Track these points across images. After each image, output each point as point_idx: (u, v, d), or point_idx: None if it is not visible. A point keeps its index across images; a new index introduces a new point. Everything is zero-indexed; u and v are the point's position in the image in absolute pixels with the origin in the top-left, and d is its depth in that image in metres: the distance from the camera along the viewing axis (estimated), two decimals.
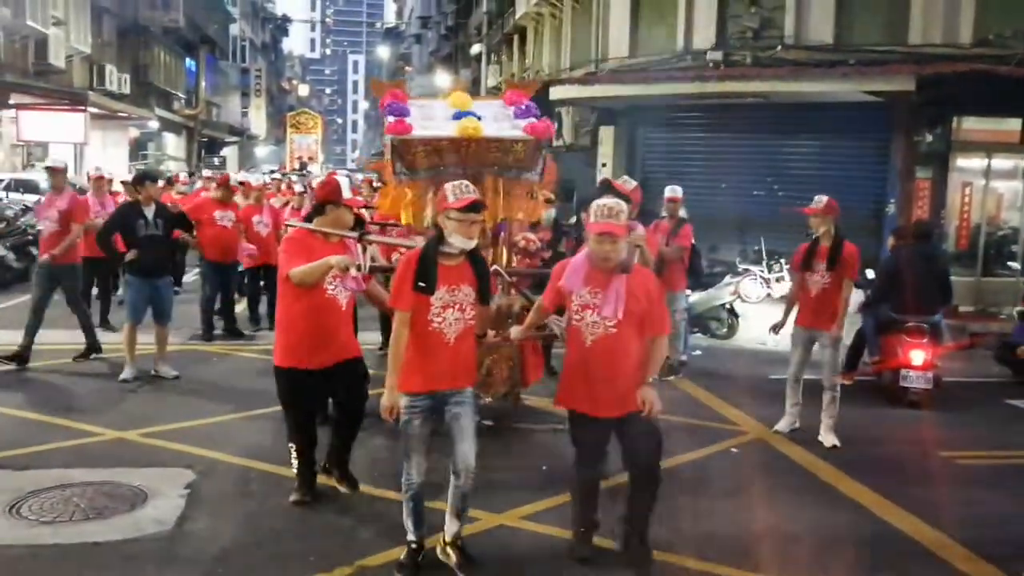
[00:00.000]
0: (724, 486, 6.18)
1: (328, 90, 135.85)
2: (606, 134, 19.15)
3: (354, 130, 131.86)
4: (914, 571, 5.02)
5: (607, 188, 6.41)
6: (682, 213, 9.40)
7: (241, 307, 11.73)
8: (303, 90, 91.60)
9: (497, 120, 6.82)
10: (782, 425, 7.46)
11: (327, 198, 5.48)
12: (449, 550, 4.61)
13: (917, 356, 8.46)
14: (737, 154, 16.68)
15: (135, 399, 7.97)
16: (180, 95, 39.82)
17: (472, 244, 4.45)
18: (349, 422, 5.69)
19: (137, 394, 8.14)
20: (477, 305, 4.54)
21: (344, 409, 5.70)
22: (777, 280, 13.25)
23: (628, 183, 6.46)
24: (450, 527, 4.63)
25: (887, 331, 8.92)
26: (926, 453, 7.32)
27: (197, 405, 7.83)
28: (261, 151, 63.26)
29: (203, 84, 43.96)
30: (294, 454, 5.59)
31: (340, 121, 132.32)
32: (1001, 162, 15.59)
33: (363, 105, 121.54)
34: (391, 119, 6.58)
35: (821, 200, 7.26)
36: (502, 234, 7.21)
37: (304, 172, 37.79)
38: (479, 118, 6.71)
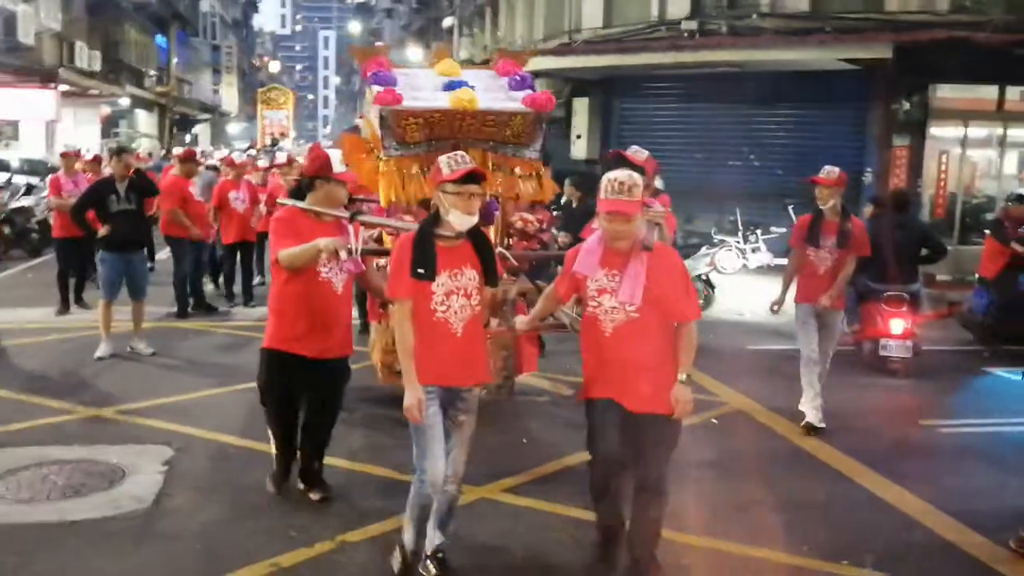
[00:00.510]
0: (704, 457, 6.11)
1: (299, 66, 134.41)
2: (580, 105, 19.01)
3: (325, 106, 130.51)
4: (900, 540, 5.00)
5: (619, 161, 5.50)
6: (659, 184, 9.33)
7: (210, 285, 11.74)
8: (274, 66, 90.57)
9: (489, 91, 6.32)
10: (813, 417, 6.76)
11: (317, 172, 4.95)
12: (430, 564, 4.19)
13: (896, 325, 8.47)
14: (712, 124, 16.63)
15: (111, 376, 7.85)
16: (151, 72, 39.20)
17: (473, 221, 4.00)
18: (324, 426, 5.19)
19: (113, 371, 8.02)
20: (483, 289, 4.12)
21: (321, 411, 5.16)
22: (753, 251, 13.26)
23: (640, 153, 5.81)
24: (432, 538, 4.21)
25: (866, 301, 8.91)
26: (907, 422, 7.33)
27: (174, 381, 7.74)
28: (233, 128, 62.56)
29: (174, 61, 43.27)
30: (273, 442, 5.25)
31: (311, 97, 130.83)
32: (977, 130, 15.66)
33: (334, 80, 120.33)
34: (378, 89, 6.06)
35: (833, 171, 6.68)
36: (495, 213, 6.65)
37: (276, 148, 37.29)
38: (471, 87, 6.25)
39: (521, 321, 4.78)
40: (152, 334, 9.02)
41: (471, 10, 32.36)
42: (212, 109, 52.48)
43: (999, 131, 15.81)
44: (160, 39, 41.23)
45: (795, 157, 15.12)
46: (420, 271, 3.91)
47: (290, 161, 13.53)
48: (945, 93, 14.76)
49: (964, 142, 15.61)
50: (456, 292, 3.99)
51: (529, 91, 6.32)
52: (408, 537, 4.21)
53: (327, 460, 5.34)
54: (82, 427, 6.43)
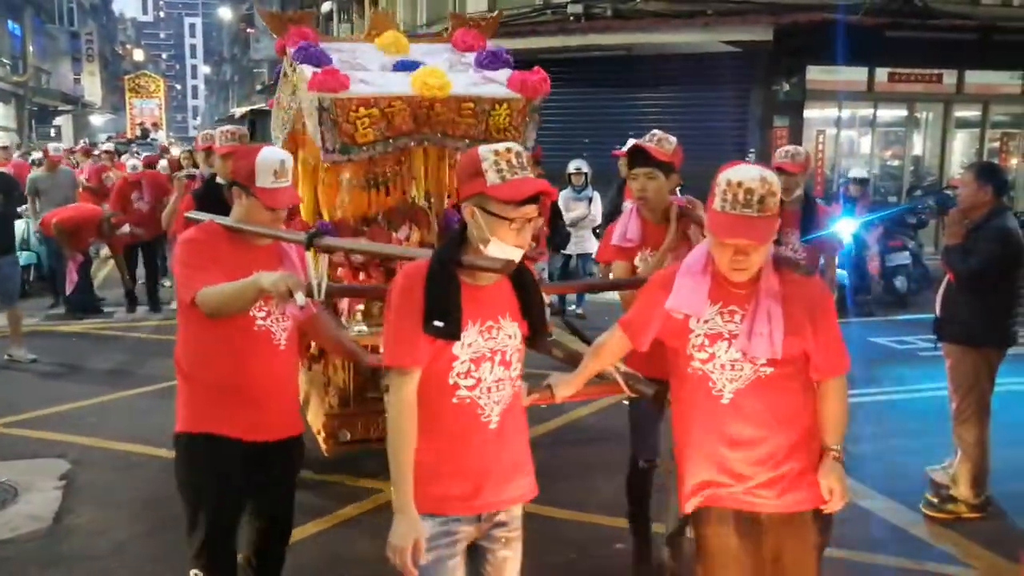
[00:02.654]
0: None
1: (165, 55, 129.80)
2: None
3: (195, 96, 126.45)
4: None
5: (641, 155, 3.91)
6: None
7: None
8: (138, 55, 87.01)
9: (457, 71, 4.94)
10: None
11: (236, 177, 3.27)
12: None
13: None
14: (598, 108, 16.69)
15: None
16: (5, 61, 37.05)
17: (520, 254, 2.57)
18: (278, 536, 3.44)
19: None
20: (523, 352, 2.72)
21: (271, 526, 3.40)
22: None
23: (667, 143, 3.91)
24: None
25: None
26: None
27: (61, 389, 7.29)
28: (97, 120, 59.68)
29: (30, 49, 40.98)
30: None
31: (179, 87, 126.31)
32: (850, 111, 16.29)
33: (204, 70, 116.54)
34: (311, 70, 4.58)
35: (799, 153, 5.36)
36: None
37: (148, 141, 35.54)
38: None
39: (563, 384, 3.03)
40: (30, 339, 8.47)
41: None
42: (74, 100, 49.94)
43: (870, 111, 16.50)
44: (13, 25, 39.02)
45: (679, 138, 15.25)
46: (438, 325, 2.50)
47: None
48: (821, 75, 15.26)
49: (839, 122, 16.22)
50: (491, 358, 2.60)
51: (509, 70, 4.99)
52: None
53: None
54: None
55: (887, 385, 7.67)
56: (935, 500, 5.04)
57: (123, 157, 15.60)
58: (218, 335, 3.12)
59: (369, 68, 4.88)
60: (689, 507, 2.84)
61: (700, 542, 2.84)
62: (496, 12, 16.25)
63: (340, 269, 4.73)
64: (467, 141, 4.69)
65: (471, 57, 5.14)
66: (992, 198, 4.85)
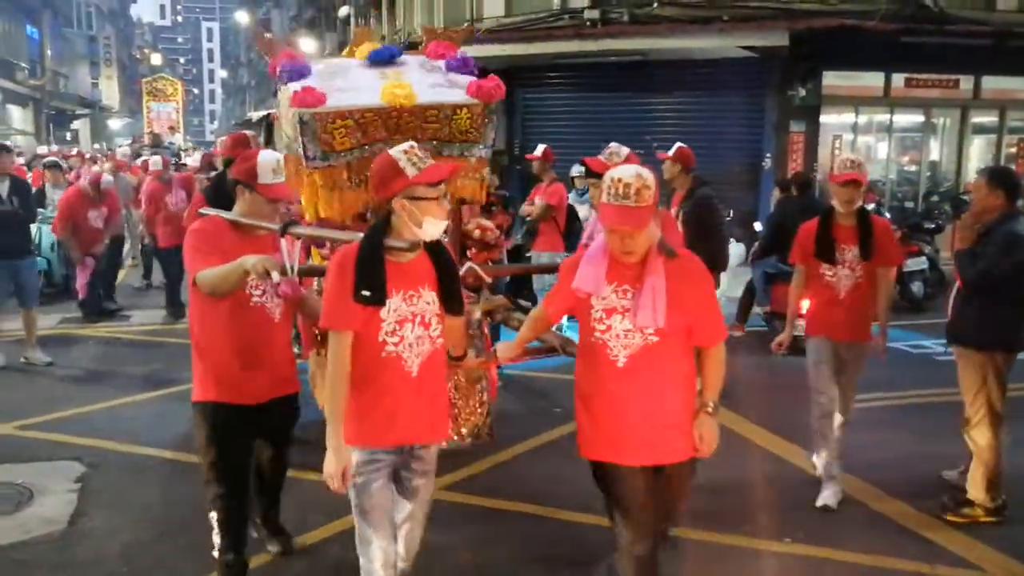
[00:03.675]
0: None
1: (182, 59, 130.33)
2: None
3: (212, 100, 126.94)
4: (832, 514, 5.07)
5: (589, 174, 4.81)
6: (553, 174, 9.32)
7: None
8: (156, 59, 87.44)
9: (426, 79, 5.39)
10: (829, 498, 5.17)
11: (238, 176, 4.01)
12: None
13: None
14: (615, 113, 16.69)
15: (6, 390, 7.37)
16: (23, 64, 37.32)
17: (443, 228, 3.24)
18: (276, 473, 4.37)
19: (8, 384, 7.53)
20: (444, 316, 3.29)
21: (271, 458, 4.29)
22: None
23: (616, 155, 4.66)
24: None
25: (777, 282, 9.10)
26: None
27: (77, 392, 7.32)
28: (115, 124, 60.10)
29: (48, 52, 41.32)
30: (215, 520, 3.97)
31: (196, 91, 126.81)
32: (866, 116, 16.21)
33: (220, 74, 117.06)
34: (295, 87, 5.05)
35: (857, 163, 5.10)
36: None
37: (166, 146, 35.57)
38: (399, 57, 5.42)
39: (504, 348, 3.96)
40: (47, 343, 8.53)
41: None
42: (92, 104, 50.29)
43: (886, 117, 16.42)
44: (31, 29, 39.33)
45: (696, 144, 15.22)
46: (366, 293, 3.07)
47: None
48: (837, 80, 15.19)
49: (855, 127, 16.14)
50: (411, 320, 3.16)
51: (471, 77, 5.43)
52: None
53: None
54: None
55: (902, 389, 7.64)
56: (951, 504, 5.02)
57: (140, 160, 15.64)
58: (220, 310, 3.81)
59: (349, 80, 5.28)
60: (585, 451, 3.42)
61: (606, 485, 3.40)
62: (466, 24, 16.40)
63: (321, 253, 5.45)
64: (434, 143, 5.20)
65: (441, 63, 5.58)
66: (1004, 202, 4.81)
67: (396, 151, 3.14)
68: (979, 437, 4.92)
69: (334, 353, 3.14)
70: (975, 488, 4.95)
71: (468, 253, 5.82)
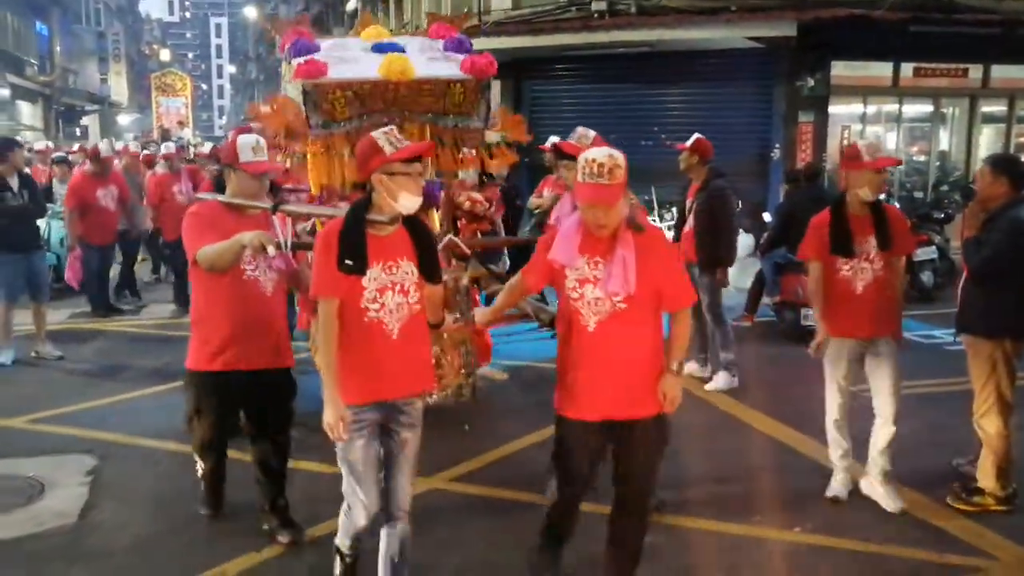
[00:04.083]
0: None
1: (191, 55, 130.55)
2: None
3: (221, 96, 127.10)
4: (842, 503, 5.08)
5: (561, 156, 5.22)
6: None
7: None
8: (164, 55, 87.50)
9: (424, 55, 5.67)
10: (838, 489, 5.16)
11: (223, 159, 4.50)
12: None
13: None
14: (624, 104, 16.67)
15: (17, 383, 7.42)
16: (32, 61, 37.41)
17: (419, 203, 3.50)
18: (278, 453, 4.52)
19: (19, 378, 7.58)
20: (423, 285, 3.57)
21: (269, 436, 4.50)
22: (668, 229, 13.35)
23: (585, 138, 5.05)
24: None
25: (786, 272, 9.08)
26: None
27: (87, 385, 7.36)
28: (124, 119, 60.19)
29: (57, 49, 41.38)
30: (200, 472, 4.71)
31: (205, 87, 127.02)
32: (875, 106, 16.14)
33: (229, 69, 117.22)
34: (299, 61, 5.34)
35: (879, 150, 4.94)
36: (438, 195, 5.88)
37: (174, 141, 35.59)
38: (402, 50, 5.64)
39: (481, 314, 4.40)
40: (58, 337, 8.56)
41: None
42: (101, 100, 50.38)
43: (895, 106, 16.34)
44: (40, 26, 39.40)
45: (705, 135, 15.25)
46: (348, 263, 3.36)
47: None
48: (845, 70, 15.12)
49: (863, 117, 16.07)
50: (391, 288, 3.45)
51: (466, 54, 5.71)
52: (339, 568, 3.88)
53: None
54: None
55: (913, 379, 7.58)
56: (962, 493, 5.01)
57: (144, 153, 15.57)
58: (217, 284, 4.21)
59: (351, 57, 5.57)
60: (558, 407, 3.69)
61: (560, 434, 3.72)
62: (466, 11, 16.38)
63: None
64: (430, 115, 5.59)
65: (440, 43, 5.90)
66: (1008, 189, 4.78)
67: (377, 133, 3.46)
68: (989, 425, 4.90)
69: (323, 319, 3.47)
70: (985, 476, 4.94)
71: (459, 224, 6.14)
